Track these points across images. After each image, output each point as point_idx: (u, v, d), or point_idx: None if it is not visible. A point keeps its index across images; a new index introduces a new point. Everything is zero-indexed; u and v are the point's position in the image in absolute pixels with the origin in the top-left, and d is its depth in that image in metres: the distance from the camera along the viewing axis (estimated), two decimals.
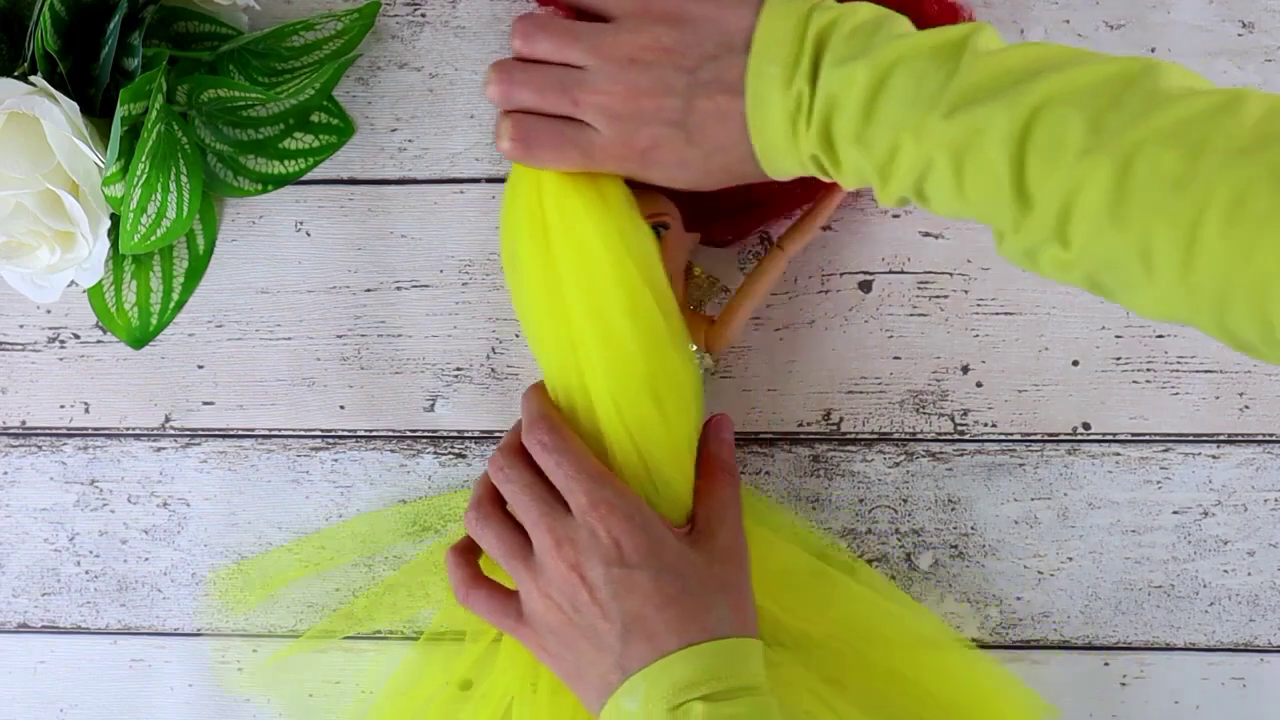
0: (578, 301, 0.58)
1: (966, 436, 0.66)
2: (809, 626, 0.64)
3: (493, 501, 0.61)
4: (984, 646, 0.66)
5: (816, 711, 0.63)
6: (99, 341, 0.69)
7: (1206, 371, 0.65)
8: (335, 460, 0.68)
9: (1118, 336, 0.66)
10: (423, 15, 0.67)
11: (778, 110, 0.53)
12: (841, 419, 0.67)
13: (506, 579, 0.61)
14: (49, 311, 0.69)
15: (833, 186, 0.63)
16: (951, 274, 0.66)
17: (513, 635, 0.60)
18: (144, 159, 0.60)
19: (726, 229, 0.65)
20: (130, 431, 0.69)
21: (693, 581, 0.57)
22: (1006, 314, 0.66)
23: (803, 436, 0.67)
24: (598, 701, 0.57)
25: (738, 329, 0.64)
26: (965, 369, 0.66)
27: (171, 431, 0.69)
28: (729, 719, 0.54)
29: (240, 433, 0.68)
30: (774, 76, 0.53)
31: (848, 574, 0.65)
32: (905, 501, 0.67)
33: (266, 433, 0.68)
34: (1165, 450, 0.66)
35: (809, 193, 0.64)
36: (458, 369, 0.67)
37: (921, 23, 0.54)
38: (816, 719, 0.62)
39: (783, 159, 0.55)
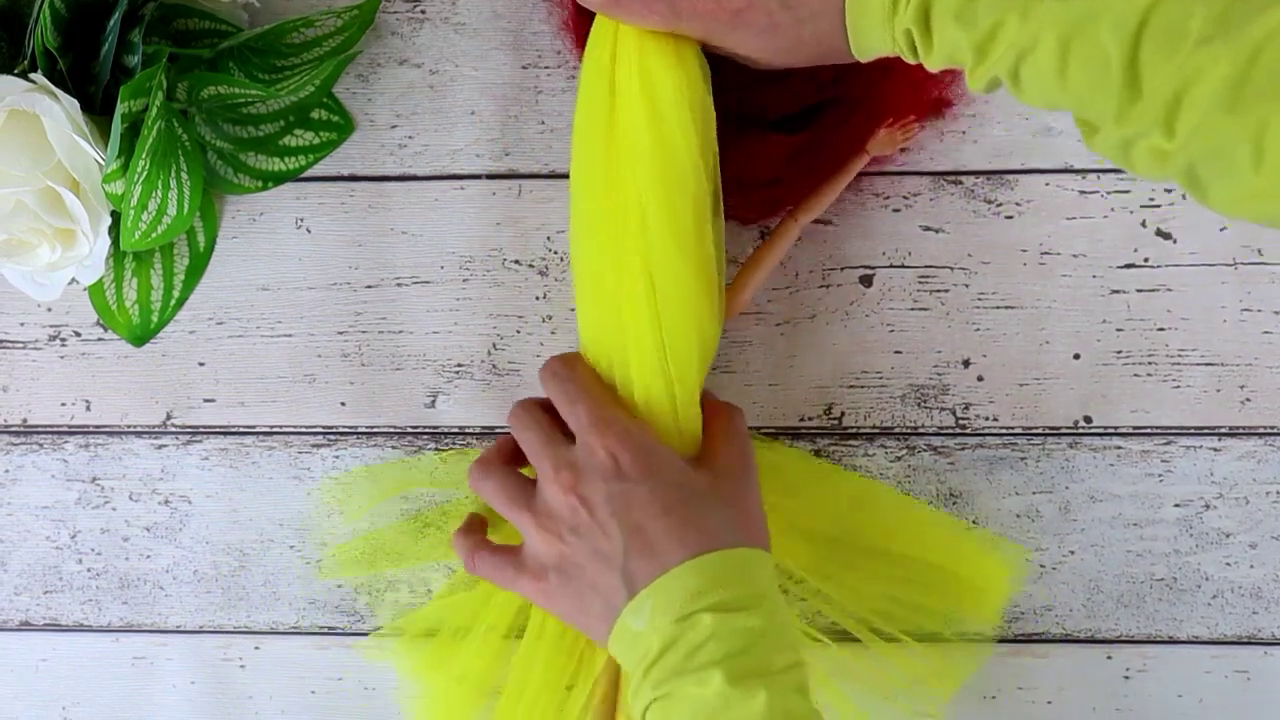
0: (642, 171, 0.56)
1: (968, 430, 0.66)
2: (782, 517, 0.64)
3: (494, 455, 0.61)
4: (986, 640, 0.66)
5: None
6: (100, 339, 0.69)
7: (1208, 364, 0.65)
8: (337, 457, 0.68)
9: (1119, 330, 0.66)
10: (422, 12, 0.67)
11: None
12: (843, 413, 0.67)
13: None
14: (50, 309, 0.69)
15: (855, 158, 0.63)
16: (952, 268, 0.66)
17: (516, 589, 0.59)
18: (144, 156, 0.60)
19: (750, 207, 0.65)
20: (131, 429, 0.69)
21: (693, 494, 0.56)
22: (1007, 308, 0.66)
23: (804, 431, 0.67)
24: (605, 627, 0.55)
25: (749, 296, 0.64)
26: (966, 363, 0.66)
27: (173, 429, 0.69)
28: (741, 631, 0.52)
29: (242, 430, 0.68)
30: None
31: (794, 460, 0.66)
32: (907, 495, 0.66)
33: (268, 430, 0.68)
34: (1167, 443, 0.66)
35: (832, 171, 0.64)
36: (459, 365, 0.67)
37: None
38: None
39: (873, 34, 0.53)
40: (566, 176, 0.66)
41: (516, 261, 0.67)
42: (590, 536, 0.55)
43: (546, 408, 0.60)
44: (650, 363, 0.58)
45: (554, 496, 0.57)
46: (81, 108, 0.60)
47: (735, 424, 0.60)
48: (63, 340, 0.69)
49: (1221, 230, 0.65)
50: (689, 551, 0.54)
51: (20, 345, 0.69)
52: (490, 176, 0.67)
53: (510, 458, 0.61)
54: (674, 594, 0.53)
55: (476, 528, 0.63)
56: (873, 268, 0.66)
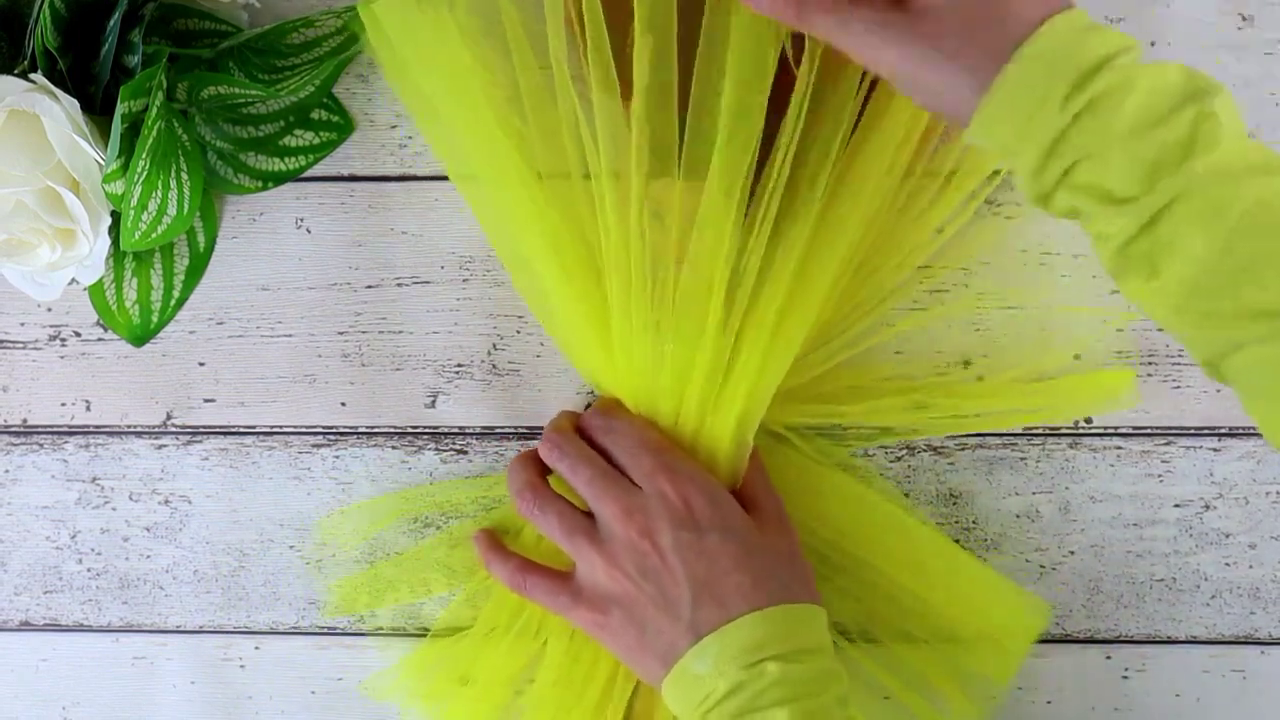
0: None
1: (968, 430, 0.66)
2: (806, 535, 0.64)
3: (545, 484, 0.62)
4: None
5: None
6: (100, 339, 0.69)
7: None
8: (337, 457, 0.68)
9: (1119, 330, 0.66)
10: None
11: None
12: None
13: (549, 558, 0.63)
14: (50, 309, 0.69)
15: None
16: (952, 268, 0.66)
17: (567, 615, 0.60)
18: (144, 156, 0.60)
19: None
20: (132, 429, 0.69)
21: (754, 546, 0.58)
22: (1008, 308, 0.66)
23: (804, 431, 0.67)
24: (662, 668, 0.57)
25: None
26: (966, 363, 0.66)
27: (173, 429, 0.69)
28: (800, 680, 0.55)
29: (242, 430, 0.68)
30: None
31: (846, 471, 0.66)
32: (907, 496, 0.67)
33: (268, 430, 0.68)
34: (1167, 444, 0.66)
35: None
36: (459, 365, 0.67)
37: None
38: None
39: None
40: (566, 176, 0.66)
41: None
42: (659, 581, 0.57)
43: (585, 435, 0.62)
44: (730, 418, 0.60)
45: (625, 538, 0.58)
46: (81, 108, 0.60)
47: (759, 461, 0.62)
48: (63, 340, 0.69)
49: None
50: (754, 604, 0.56)
51: (20, 345, 0.69)
52: None
53: (539, 472, 0.63)
54: (741, 642, 0.55)
55: (501, 544, 0.64)
56: None
